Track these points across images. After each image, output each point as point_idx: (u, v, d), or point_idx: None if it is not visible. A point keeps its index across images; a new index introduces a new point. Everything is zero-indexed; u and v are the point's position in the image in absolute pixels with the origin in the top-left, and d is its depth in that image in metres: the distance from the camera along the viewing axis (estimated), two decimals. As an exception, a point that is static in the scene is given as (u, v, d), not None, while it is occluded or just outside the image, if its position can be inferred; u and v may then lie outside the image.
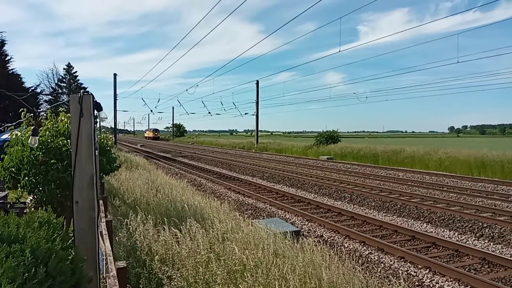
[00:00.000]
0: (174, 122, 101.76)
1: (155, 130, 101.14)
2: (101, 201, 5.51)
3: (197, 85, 36.97)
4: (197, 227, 5.71)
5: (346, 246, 8.05)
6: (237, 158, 32.87)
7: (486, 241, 8.61)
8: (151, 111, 64.07)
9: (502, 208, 11.69)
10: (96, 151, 3.30)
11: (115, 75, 43.96)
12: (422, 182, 17.83)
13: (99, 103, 3.20)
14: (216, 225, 6.00)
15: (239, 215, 8.02)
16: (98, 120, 3.41)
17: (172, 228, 5.72)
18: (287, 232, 7.15)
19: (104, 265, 3.68)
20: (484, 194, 14.50)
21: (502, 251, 7.87)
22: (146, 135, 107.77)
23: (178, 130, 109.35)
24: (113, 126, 45.34)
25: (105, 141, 7.90)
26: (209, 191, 14.79)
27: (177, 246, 5.15)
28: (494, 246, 8.25)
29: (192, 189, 12.57)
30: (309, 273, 4.39)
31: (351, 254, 7.09)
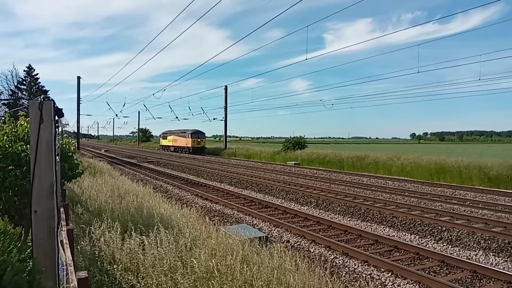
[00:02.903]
0: (140, 127, 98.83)
1: (197, 134, 51.71)
2: (62, 209, 5.32)
3: (164, 90, 36.18)
4: (164, 234, 5.62)
5: (312, 251, 8.16)
6: (205, 164, 32.62)
7: (445, 244, 8.97)
8: (116, 115, 62.60)
9: (460, 212, 12.23)
10: (57, 158, 3.20)
11: (78, 78, 42.73)
12: (385, 187, 18.36)
13: (60, 109, 3.10)
14: (184, 232, 5.94)
15: (207, 221, 7.95)
16: (59, 126, 3.31)
17: (138, 236, 5.61)
18: (255, 238, 7.18)
19: (65, 275, 3.56)
20: (443, 198, 15.11)
21: (459, 253, 8.22)
22: (167, 142, 60.36)
23: (144, 135, 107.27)
24: (76, 131, 43.92)
25: (67, 147, 7.63)
26: (176, 198, 14.59)
27: (142, 254, 5.05)
28: (452, 248, 8.60)
29: (159, 195, 12.35)
30: (276, 278, 4.42)
31: (317, 259, 7.20)
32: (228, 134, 53.12)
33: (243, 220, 11.13)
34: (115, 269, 4.76)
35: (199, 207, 12.44)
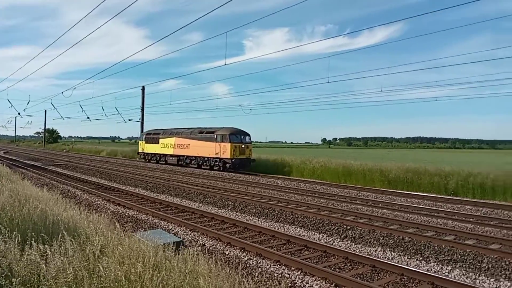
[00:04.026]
0: (47, 127, 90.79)
1: (241, 136, 29.52)
2: None
3: (75, 88, 33.75)
4: (69, 242, 5.30)
5: (227, 253, 8.28)
6: (118, 167, 31.14)
7: (349, 241, 9.71)
8: (19, 113, 56.46)
9: (363, 211, 13.32)
10: None
11: (-29, 70, 37.99)
12: (298, 189, 19.27)
13: None
14: (92, 239, 5.65)
15: (118, 228, 7.64)
16: None
17: (40, 245, 5.21)
18: (169, 243, 7.08)
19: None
20: (349, 199, 16.32)
21: (362, 250, 8.96)
22: (158, 149, 37.08)
23: (51, 136, 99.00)
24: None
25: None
26: (85, 204, 13.74)
27: (44, 265, 4.70)
28: (355, 246, 9.34)
29: (66, 201, 11.53)
30: (188, 283, 4.43)
31: (231, 261, 7.34)
32: (144, 136, 51.11)
33: (158, 226, 10.88)
34: (13, 283, 4.38)
35: (111, 213, 11.88)
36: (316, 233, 10.48)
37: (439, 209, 14.31)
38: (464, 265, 7.85)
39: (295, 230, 10.87)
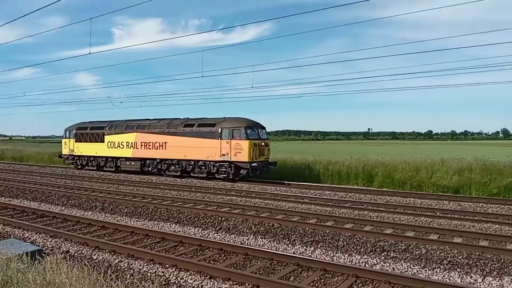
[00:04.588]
0: None
1: (257, 130, 20.64)
2: None
3: None
4: None
5: (95, 258, 7.70)
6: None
7: (224, 233, 9.95)
8: None
9: (237, 202, 13.79)
10: None
11: None
12: (174, 184, 18.99)
13: None
14: None
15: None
16: None
17: None
18: (25, 253, 6.27)
19: None
20: (224, 191, 16.73)
21: (236, 240, 9.27)
22: (107, 150, 25.39)
23: None
24: None
25: None
26: None
27: None
28: (229, 236, 9.62)
29: None
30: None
31: (100, 266, 6.86)
32: (-8, 133, 43.95)
33: (11, 235, 9.53)
34: None
35: None
36: (191, 228, 10.47)
37: (303, 195, 15.67)
38: (324, 245, 8.75)
39: (170, 226, 10.69)
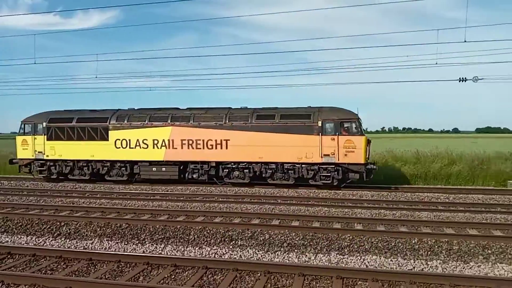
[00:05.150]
0: None
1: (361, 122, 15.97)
2: None
3: None
4: None
5: None
6: None
7: (63, 239, 9.01)
8: None
9: (79, 204, 12.67)
10: None
11: None
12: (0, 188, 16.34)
13: None
14: None
15: None
16: None
17: None
18: None
19: None
20: (64, 193, 15.18)
21: (77, 245, 8.48)
22: (127, 152, 17.63)
23: None
24: None
25: None
26: None
27: None
28: (70, 242, 8.73)
29: None
30: None
31: None
32: None
33: None
34: None
35: None
36: (23, 236, 9.17)
37: (155, 192, 15.36)
38: (175, 240, 8.75)
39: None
